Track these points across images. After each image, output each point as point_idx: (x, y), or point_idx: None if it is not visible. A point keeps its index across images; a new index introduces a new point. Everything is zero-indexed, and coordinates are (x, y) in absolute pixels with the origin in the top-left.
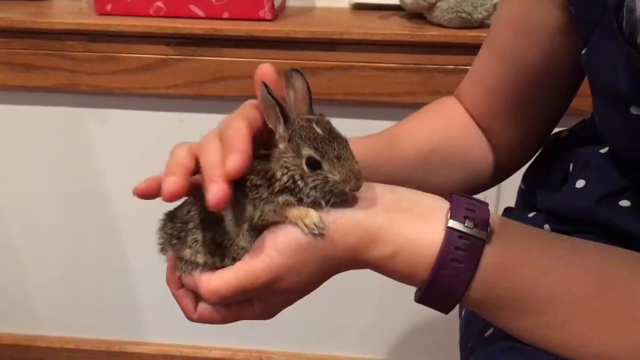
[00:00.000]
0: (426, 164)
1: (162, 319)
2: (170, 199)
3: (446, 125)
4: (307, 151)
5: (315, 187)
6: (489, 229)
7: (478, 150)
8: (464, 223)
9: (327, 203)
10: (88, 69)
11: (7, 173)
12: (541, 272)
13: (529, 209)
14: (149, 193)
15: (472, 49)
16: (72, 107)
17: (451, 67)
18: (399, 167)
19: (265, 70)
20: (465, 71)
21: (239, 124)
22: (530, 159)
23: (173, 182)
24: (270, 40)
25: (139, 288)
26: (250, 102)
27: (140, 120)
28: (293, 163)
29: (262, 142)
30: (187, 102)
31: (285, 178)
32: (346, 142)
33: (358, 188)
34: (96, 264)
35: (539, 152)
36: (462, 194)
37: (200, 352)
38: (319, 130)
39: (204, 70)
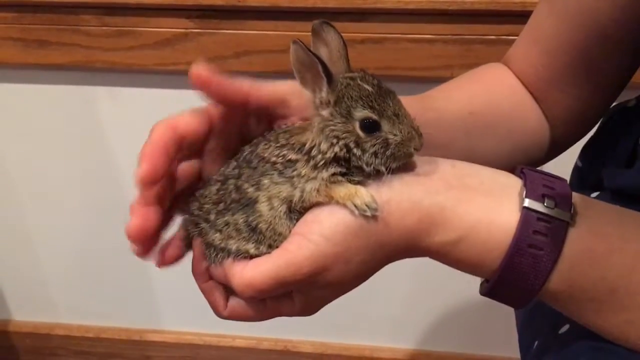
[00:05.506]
0: (467, 128)
1: (184, 307)
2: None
3: (490, 86)
4: (361, 112)
5: (375, 154)
6: (572, 208)
7: (529, 119)
8: (543, 202)
9: (389, 170)
10: (104, 44)
11: (20, 157)
12: (638, 259)
13: (590, 188)
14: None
15: (517, 17)
16: (87, 86)
17: (493, 37)
18: (435, 129)
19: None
20: (509, 42)
21: (154, 131)
22: (587, 132)
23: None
24: (297, 11)
25: (160, 275)
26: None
27: (160, 99)
28: (344, 130)
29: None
30: None
31: (336, 149)
32: (397, 96)
33: (422, 146)
34: (116, 250)
35: (601, 124)
36: (534, 168)
37: (224, 340)
38: (368, 87)
39: (227, 45)
